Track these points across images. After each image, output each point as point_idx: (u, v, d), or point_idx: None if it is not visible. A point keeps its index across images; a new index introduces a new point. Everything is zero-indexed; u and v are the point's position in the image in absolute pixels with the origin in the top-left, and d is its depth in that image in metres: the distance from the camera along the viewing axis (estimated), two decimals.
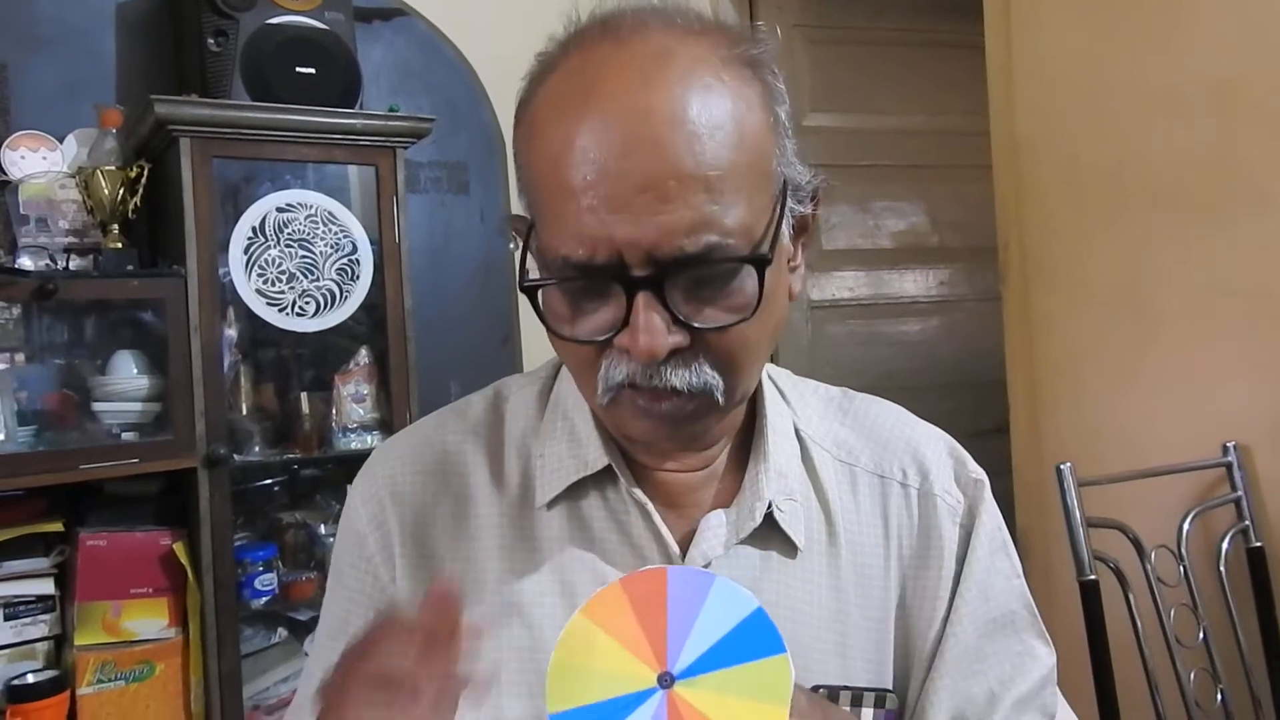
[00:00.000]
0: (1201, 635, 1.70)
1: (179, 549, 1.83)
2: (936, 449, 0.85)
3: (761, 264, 0.66)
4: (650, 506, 0.77)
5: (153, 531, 1.85)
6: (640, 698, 0.61)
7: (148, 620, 1.82)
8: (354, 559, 0.81)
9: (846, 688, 0.77)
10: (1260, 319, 1.80)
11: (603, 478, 0.78)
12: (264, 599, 1.92)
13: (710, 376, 0.68)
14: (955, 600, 0.81)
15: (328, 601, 0.82)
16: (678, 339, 0.66)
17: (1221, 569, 1.76)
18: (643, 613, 0.63)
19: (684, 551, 0.76)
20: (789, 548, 0.78)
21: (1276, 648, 1.75)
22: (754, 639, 0.62)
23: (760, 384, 0.82)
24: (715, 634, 0.62)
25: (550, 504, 0.78)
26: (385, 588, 0.79)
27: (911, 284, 3.18)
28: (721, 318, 0.67)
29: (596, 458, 0.78)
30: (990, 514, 0.84)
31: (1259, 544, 1.78)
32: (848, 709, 0.76)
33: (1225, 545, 1.78)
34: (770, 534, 0.78)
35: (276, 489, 2.08)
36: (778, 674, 0.61)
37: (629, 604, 0.63)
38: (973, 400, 2.56)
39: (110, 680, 1.77)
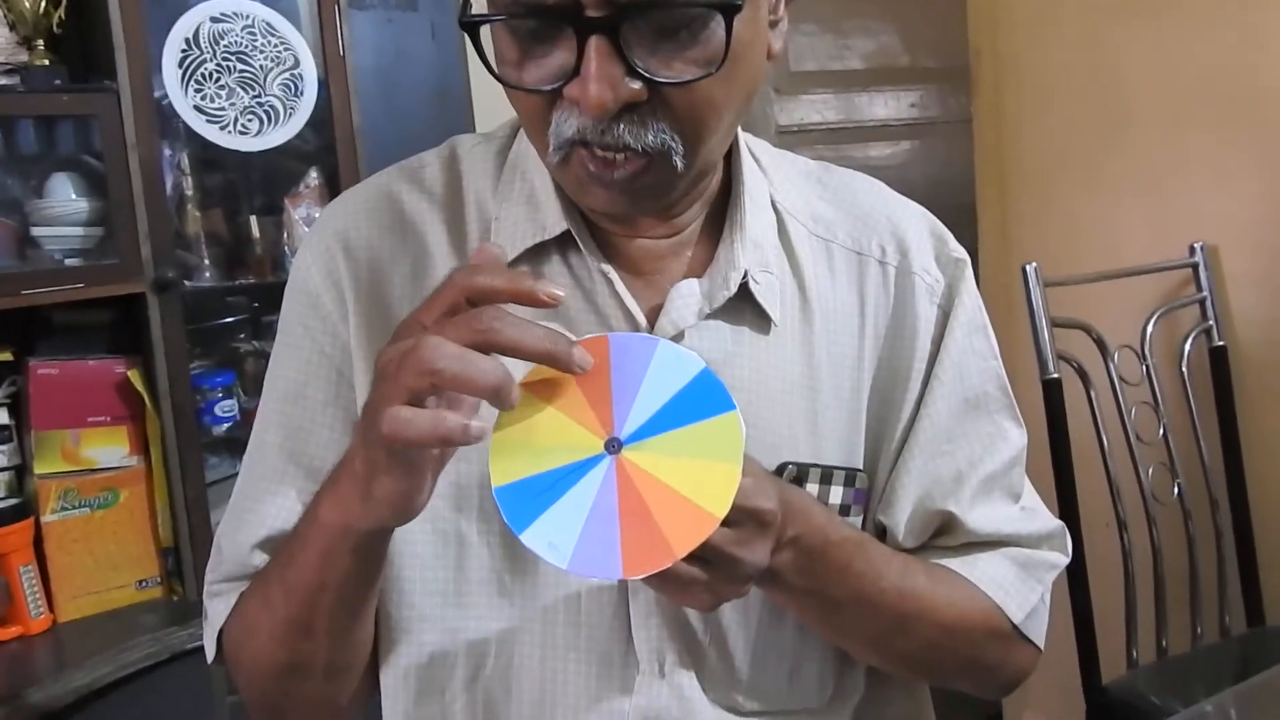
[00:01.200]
0: (1161, 432, 1.72)
1: (134, 376, 1.79)
2: (917, 226, 0.81)
3: (731, 11, 0.60)
4: (614, 274, 0.73)
5: (106, 360, 1.81)
6: (587, 465, 0.59)
7: (108, 448, 1.80)
8: (308, 320, 0.76)
9: (816, 465, 0.75)
10: (1232, 117, 1.76)
11: (566, 243, 0.74)
12: (225, 425, 1.90)
13: (668, 137, 0.63)
14: (930, 381, 0.78)
15: (276, 367, 0.77)
16: (633, 92, 0.61)
17: (1184, 369, 1.77)
18: (585, 381, 0.59)
19: (652, 323, 0.72)
20: (763, 322, 0.75)
21: (1234, 443, 1.77)
22: (702, 399, 0.59)
23: (737, 150, 0.77)
24: (662, 397, 0.59)
25: (513, 264, 0.73)
26: (345, 345, 0.74)
27: (882, 107, 3.09)
28: (683, 71, 0.61)
29: (555, 222, 0.73)
30: (970, 294, 0.80)
31: (1221, 343, 1.79)
32: (817, 486, 0.75)
33: (1188, 345, 1.78)
34: (743, 307, 0.74)
35: (232, 318, 2.03)
36: (728, 431, 0.59)
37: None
38: (943, 225, 2.52)
39: (74, 508, 1.76)
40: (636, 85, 0.61)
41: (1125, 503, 1.67)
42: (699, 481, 0.58)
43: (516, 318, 0.55)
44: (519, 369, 0.58)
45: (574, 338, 0.58)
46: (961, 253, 0.82)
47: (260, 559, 0.74)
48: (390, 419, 0.54)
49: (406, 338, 0.57)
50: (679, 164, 0.64)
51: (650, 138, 0.62)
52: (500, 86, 0.67)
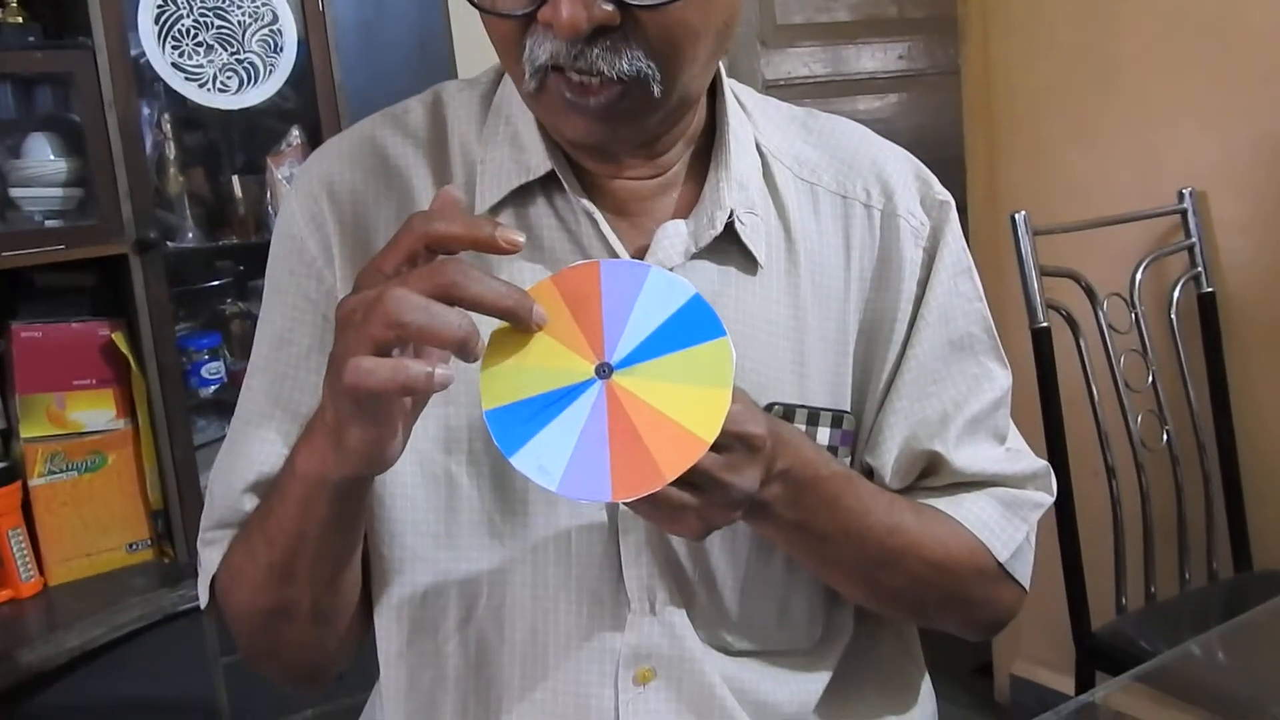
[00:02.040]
0: (1150, 379, 1.72)
1: (118, 339, 1.78)
2: (902, 170, 0.81)
3: None
4: (598, 214, 0.72)
5: (90, 322, 1.80)
6: (578, 389, 0.58)
7: (94, 411, 1.79)
8: (293, 265, 0.76)
9: (803, 406, 0.75)
10: (1221, 59, 1.74)
11: (551, 185, 0.73)
12: (212, 387, 1.89)
13: (644, 64, 0.62)
14: (915, 323, 0.78)
15: (265, 315, 0.78)
16: (605, 14, 0.60)
17: (1173, 316, 1.77)
18: (576, 307, 0.59)
19: None
20: (749, 264, 0.75)
21: (1222, 389, 1.78)
22: (692, 325, 0.59)
23: (721, 91, 0.76)
24: (652, 323, 0.59)
25: (494, 211, 0.73)
26: (331, 291, 0.74)
27: (870, 59, 3.07)
28: None
29: (539, 163, 0.73)
30: (954, 236, 0.80)
31: (1210, 290, 1.79)
32: (804, 427, 0.75)
33: (1177, 292, 1.78)
34: (729, 248, 0.74)
35: (217, 279, 2.02)
36: (718, 357, 0.59)
37: (561, 299, 0.60)
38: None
39: (62, 471, 1.76)
40: (609, 7, 0.60)
41: (1114, 450, 1.68)
42: (688, 406, 0.58)
43: (478, 271, 0.55)
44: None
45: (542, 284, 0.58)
46: (946, 195, 0.82)
47: (250, 503, 0.75)
48: (352, 370, 0.54)
49: (367, 286, 0.57)
50: (656, 90, 0.64)
51: (625, 65, 0.62)
52: (483, 38, 0.67)
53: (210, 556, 0.77)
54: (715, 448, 0.58)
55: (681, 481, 0.58)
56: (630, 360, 0.59)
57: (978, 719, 2.25)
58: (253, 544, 0.72)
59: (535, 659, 0.74)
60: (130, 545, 1.83)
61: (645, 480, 0.57)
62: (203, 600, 0.79)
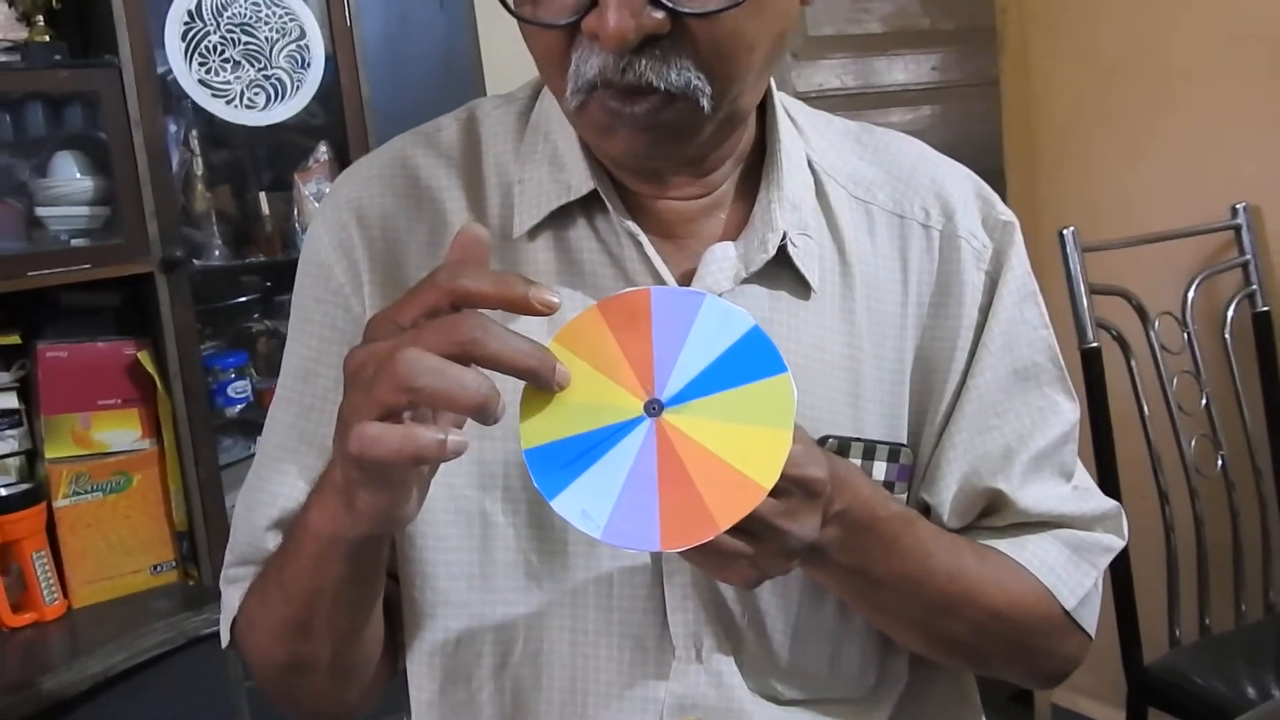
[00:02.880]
0: (1204, 402, 1.66)
1: (144, 358, 1.76)
2: (963, 188, 0.76)
3: None
4: (643, 237, 0.68)
5: (115, 342, 1.78)
6: (625, 428, 0.54)
7: (119, 431, 1.77)
8: (320, 293, 0.72)
9: (859, 440, 0.70)
10: (1276, 68, 1.68)
11: (592, 206, 0.69)
12: (238, 407, 1.87)
13: (693, 75, 0.59)
14: (977, 351, 0.73)
15: (291, 345, 0.74)
16: (655, 21, 0.56)
17: (1226, 335, 1.71)
18: (625, 337, 0.55)
19: None
20: (801, 288, 0.70)
21: (1278, 412, 1.71)
22: (750, 359, 0.55)
23: (771, 104, 0.72)
24: (707, 356, 0.55)
25: (532, 234, 0.70)
26: (359, 320, 0.70)
27: (902, 71, 3.02)
28: (709, 1, 0.57)
29: (581, 182, 0.69)
30: (1019, 259, 0.75)
31: (1265, 308, 1.72)
32: (859, 462, 0.70)
33: (1230, 311, 1.71)
34: (780, 272, 0.70)
35: (243, 297, 2.00)
36: (778, 395, 0.54)
37: (608, 328, 0.55)
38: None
39: (86, 492, 1.73)
40: (659, 15, 0.57)
41: (1167, 475, 1.61)
42: (745, 448, 0.53)
43: (499, 327, 0.51)
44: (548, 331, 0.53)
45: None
46: (1010, 215, 0.77)
47: (274, 540, 0.71)
48: (357, 438, 0.50)
49: (379, 337, 0.52)
50: (705, 105, 0.60)
51: (674, 76, 0.58)
52: (511, 54, 0.64)
53: (231, 596, 0.74)
54: (773, 493, 0.54)
55: (736, 528, 0.53)
56: (682, 397, 0.54)
57: None
58: (268, 596, 0.69)
59: (574, 708, 0.70)
60: (155, 567, 1.80)
61: (697, 529, 0.52)
62: (224, 640, 0.75)
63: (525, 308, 0.52)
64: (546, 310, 0.52)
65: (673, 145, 0.64)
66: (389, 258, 0.71)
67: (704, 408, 0.54)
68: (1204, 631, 1.64)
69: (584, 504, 0.53)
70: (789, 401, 0.54)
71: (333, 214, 0.73)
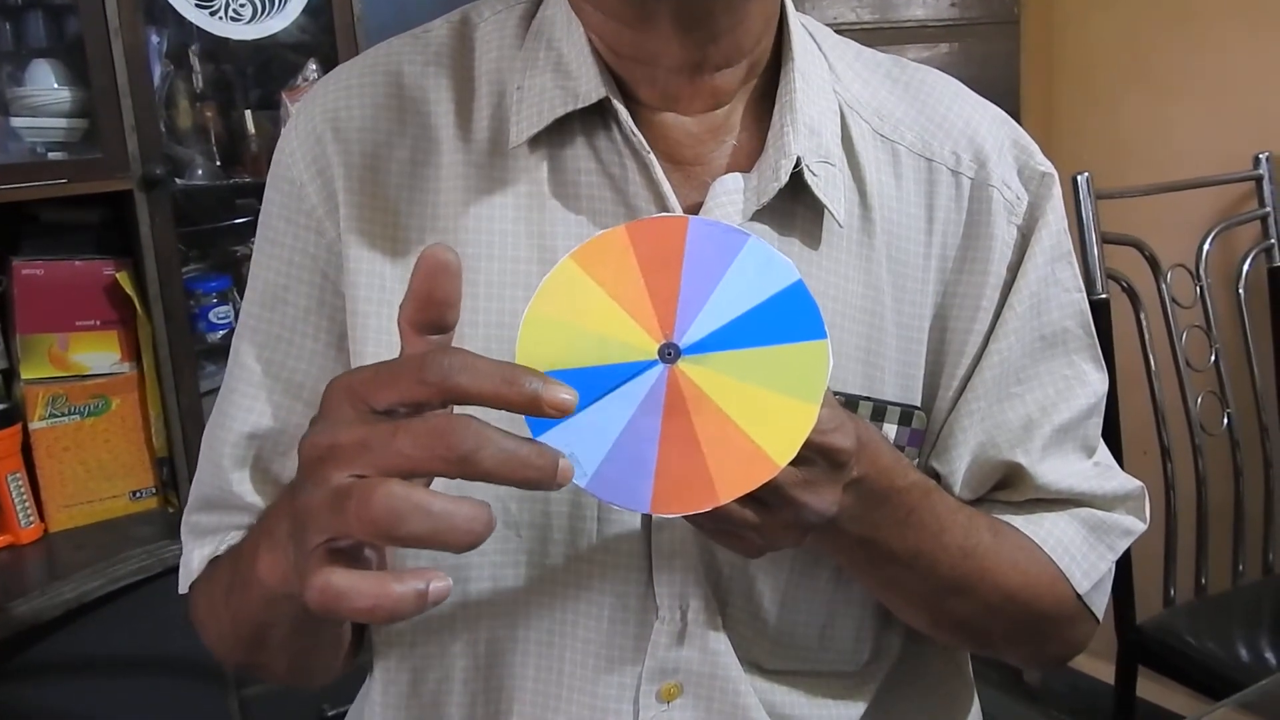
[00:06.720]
0: (1213, 358, 1.61)
1: (123, 279, 1.70)
2: (998, 134, 0.70)
3: None
4: (652, 157, 0.62)
5: (94, 261, 1.72)
6: (633, 369, 0.47)
7: (98, 354, 1.72)
8: (290, 213, 0.66)
9: (868, 399, 0.65)
10: None
11: (592, 121, 0.63)
12: (220, 332, 1.82)
13: None
14: (1003, 312, 0.67)
15: (256, 267, 0.68)
16: None
17: (1240, 290, 1.65)
18: (650, 268, 0.48)
19: None
20: (816, 230, 0.64)
21: None
22: (787, 317, 0.48)
23: (785, 18, 0.65)
24: (739, 306, 0.48)
25: (531, 145, 0.63)
26: (332, 245, 0.65)
27: (920, 6, 2.92)
28: None
29: (591, 89, 0.62)
30: (1056, 215, 0.69)
31: None
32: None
33: (1246, 265, 1.66)
34: (795, 210, 0.64)
35: (227, 219, 1.93)
36: (812, 363, 0.48)
37: (634, 255, 0.49)
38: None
39: (63, 415, 1.69)
40: None
41: (1170, 431, 1.57)
42: (764, 416, 0.47)
43: (495, 431, 0.41)
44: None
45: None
46: (1048, 166, 0.71)
47: (239, 482, 0.67)
48: (320, 591, 0.41)
49: (345, 419, 0.43)
50: None
51: None
52: None
53: (191, 554, 0.69)
54: (794, 460, 0.48)
55: (747, 495, 0.48)
56: (703, 347, 0.48)
57: (1005, 701, 2.17)
58: (217, 610, 0.65)
59: (549, 672, 0.66)
60: (134, 493, 1.77)
61: (694, 497, 0.47)
62: (181, 588, 0.71)
63: (535, 409, 0.43)
64: (559, 413, 0.43)
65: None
66: (367, 176, 0.64)
67: (725, 362, 0.48)
68: (1199, 591, 1.61)
69: (572, 446, 0.47)
70: (823, 372, 0.48)
71: (306, 125, 0.66)
